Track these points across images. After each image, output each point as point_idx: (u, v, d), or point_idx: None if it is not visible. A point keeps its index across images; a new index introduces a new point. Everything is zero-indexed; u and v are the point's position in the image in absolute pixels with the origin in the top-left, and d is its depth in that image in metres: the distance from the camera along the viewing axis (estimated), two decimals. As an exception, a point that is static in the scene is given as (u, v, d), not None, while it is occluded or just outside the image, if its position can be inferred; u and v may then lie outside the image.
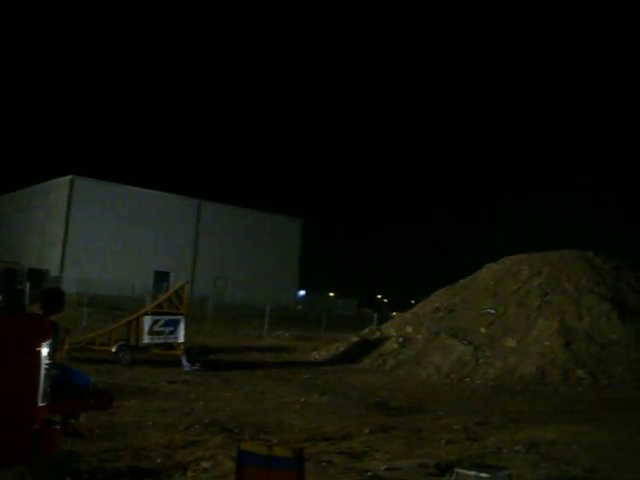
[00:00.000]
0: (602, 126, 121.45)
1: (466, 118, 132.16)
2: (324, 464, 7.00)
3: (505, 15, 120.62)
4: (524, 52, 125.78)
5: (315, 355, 21.67)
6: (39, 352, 4.48)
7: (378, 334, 22.13)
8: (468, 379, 17.04)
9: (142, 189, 48.93)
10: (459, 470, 5.71)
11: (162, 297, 18.63)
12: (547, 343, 18.11)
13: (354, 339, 22.37)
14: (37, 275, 6.44)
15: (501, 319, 20.05)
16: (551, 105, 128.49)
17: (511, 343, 18.59)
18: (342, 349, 21.51)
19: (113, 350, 16.14)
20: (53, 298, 6.86)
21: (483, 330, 19.58)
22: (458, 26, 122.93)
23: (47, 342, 4.55)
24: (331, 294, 67.88)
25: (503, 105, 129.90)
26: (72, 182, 46.18)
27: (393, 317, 29.38)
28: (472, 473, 5.52)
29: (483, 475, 5.45)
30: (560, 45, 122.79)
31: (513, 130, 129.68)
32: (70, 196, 45.94)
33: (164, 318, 16.87)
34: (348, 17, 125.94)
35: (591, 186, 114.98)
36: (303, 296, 61.55)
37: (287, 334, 30.19)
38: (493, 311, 20.57)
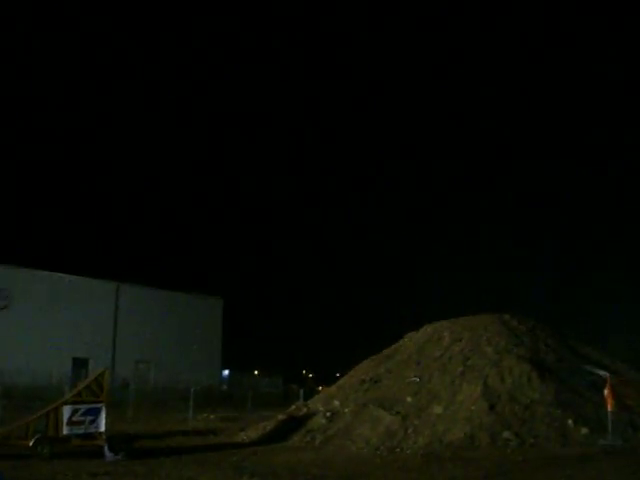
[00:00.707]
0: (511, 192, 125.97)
1: (366, 197, 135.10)
2: None
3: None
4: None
5: (243, 436, 21.25)
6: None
7: (305, 410, 21.93)
8: (398, 449, 17.00)
9: (58, 273, 47.63)
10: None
11: (81, 385, 18.01)
12: (473, 407, 18.33)
13: (281, 417, 22.09)
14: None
15: (426, 387, 20.23)
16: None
17: (438, 410, 18.73)
18: (270, 428, 21.18)
19: (31, 443, 15.42)
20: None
21: (409, 399, 19.69)
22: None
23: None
24: (256, 372, 67.02)
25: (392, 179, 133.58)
26: (-16, 269, 44.63)
27: (319, 392, 29.21)
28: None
29: None
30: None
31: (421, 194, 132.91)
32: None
33: (84, 407, 16.29)
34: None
35: (499, 249, 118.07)
36: (227, 376, 60.59)
37: (213, 416, 29.56)
38: (418, 379, 20.76)
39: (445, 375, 20.49)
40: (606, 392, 17.70)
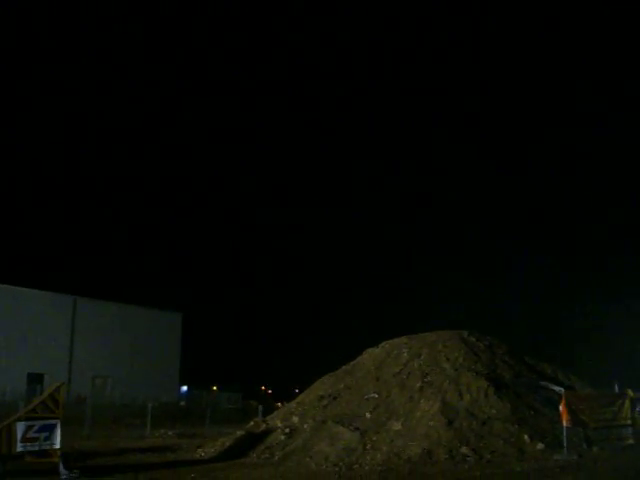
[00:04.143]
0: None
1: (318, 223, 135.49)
2: None
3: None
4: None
5: (201, 452, 21.03)
6: None
7: (264, 426, 21.80)
8: (357, 465, 16.97)
9: (12, 287, 46.75)
10: None
11: (36, 401, 17.65)
12: (431, 423, 18.43)
13: (240, 433, 21.92)
14: None
15: (385, 402, 20.30)
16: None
17: (396, 426, 18.79)
18: (228, 444, 21.00)
19: (-18, 462, 15.08)
20: None
21: (368, 415, 19.73)
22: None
23: None
24: (215, 388, 66.53)
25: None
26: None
27: (278, 408, 29.10)
28: None
29: None
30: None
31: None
32: None
33: (38, 423, 15.95)
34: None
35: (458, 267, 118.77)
36: (186, 392, 60.03)
37: (171, 432, 29.23)
38: (376, 395, 20.82)
39: (404, 391, 20.59)
40: (561, 407, 17.98)
